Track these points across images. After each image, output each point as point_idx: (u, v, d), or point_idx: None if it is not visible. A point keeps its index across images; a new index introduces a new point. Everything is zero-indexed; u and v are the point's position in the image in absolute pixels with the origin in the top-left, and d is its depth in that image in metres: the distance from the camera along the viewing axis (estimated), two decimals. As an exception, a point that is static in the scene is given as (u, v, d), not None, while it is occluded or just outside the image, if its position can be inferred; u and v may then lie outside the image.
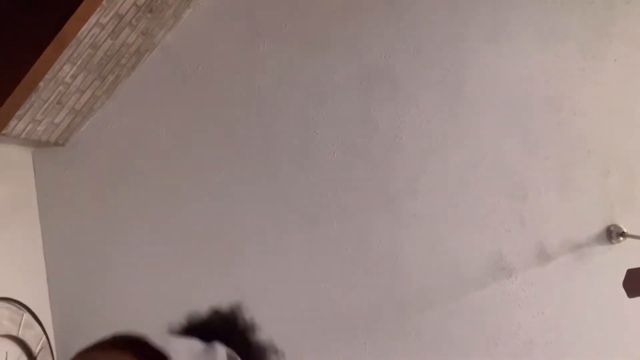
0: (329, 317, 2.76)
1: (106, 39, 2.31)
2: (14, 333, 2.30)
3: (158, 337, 0.70)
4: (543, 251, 2.81)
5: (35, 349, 2.42)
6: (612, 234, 2.80)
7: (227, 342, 0.79)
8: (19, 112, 2.14)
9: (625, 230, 2.79)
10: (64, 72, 2.22)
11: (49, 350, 2.55)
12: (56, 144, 2.64)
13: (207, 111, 2.74)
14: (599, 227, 2.81)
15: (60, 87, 2.29)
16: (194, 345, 0.76)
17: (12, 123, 2.17)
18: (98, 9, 2.07)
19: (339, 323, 2.76)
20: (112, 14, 2.20)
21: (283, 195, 2.75)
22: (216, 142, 2.74)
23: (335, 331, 2.76)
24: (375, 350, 2.76)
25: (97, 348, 0.71)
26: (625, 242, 2.79)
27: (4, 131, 2.15)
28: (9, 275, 2.38)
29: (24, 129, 2.28)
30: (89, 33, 2.16)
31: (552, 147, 2.80)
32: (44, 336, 2.51)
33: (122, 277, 2.72)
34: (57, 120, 2.47)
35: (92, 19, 2.10)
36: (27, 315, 2.40)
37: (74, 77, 2.31)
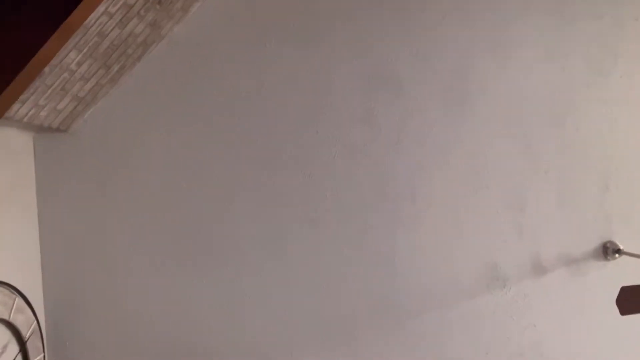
0: (323, 319, 2.75)
1: (113, 28, 2.31)
2: (5, 317, 2.30)
3: None
4: (538, 263, 2.81)
5: (26, 334, 2.42)
6: (608, 250, 2.80)
7: None
8: (22, 96, 2.14)
9: (621, 247, 2.79)
10: (70, 59, 2.22)
11: (39, 336, 2.54)
12: (58, 129, 2.64)
13: (210, 106, 2.74)
14: (595, 242, 2.81)
15: (65, 74, 2.29)
16: None
17: (15, 107, 2.16)
18: (107, -2, 2.07)
19: (332, 326, 2.76)
20: (120, 3, 2.20)
21: (282, 195, 2.75)
22: (218, 137, 2.74)
23: (328, 333, 2.76)
24: (369, 354, 2.76)
25: None
26: (620, 259, 2.79)
27: (6, 114, 2.15)
28: (3, 259, 2.38)
29: (27, 114, 2.28)
30: (97, 21, 2.16)
31: (553, 161, 2.80)
32: (35, 321, 2.50)
33: (118, 268, 2.71)
34: (60, 106, 2.47)
35: (101, 7, 2.10)
36: (19, 300, 2.40)
37: (79, 64, 2.31)
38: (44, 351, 2.57)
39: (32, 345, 2.47)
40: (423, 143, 2.78)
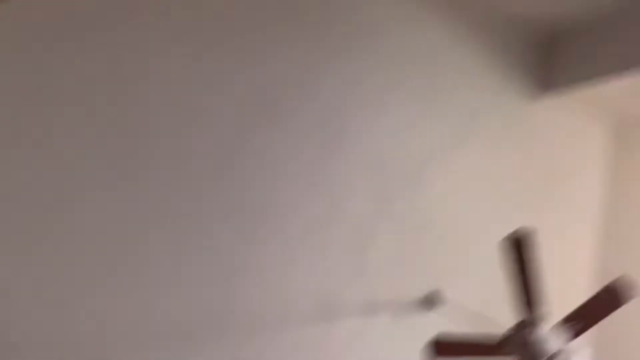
0: (157, 322, 2.63)
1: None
2: None
3: None
4: (372, 304, 2.99)
5: None
6: (434, 299, 3.09)
7: None
8: None
9: (446, 297, 3.09)
10: None
11: None
12: None
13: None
14: (424, 290, 3.08)
15: None
16: None
17: None
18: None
19: (163, 331, 2.65)
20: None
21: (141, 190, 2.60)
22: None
23: (158, 338, 2.64)
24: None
25: None
26: (445, 309, 3.09)
27: None
28: None
29: None
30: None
31: (402, 213, 3.03)
32: None
33: None
34: None
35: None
36: None
37: None
38: None
39: None
40: (285, 170, 2.80)
